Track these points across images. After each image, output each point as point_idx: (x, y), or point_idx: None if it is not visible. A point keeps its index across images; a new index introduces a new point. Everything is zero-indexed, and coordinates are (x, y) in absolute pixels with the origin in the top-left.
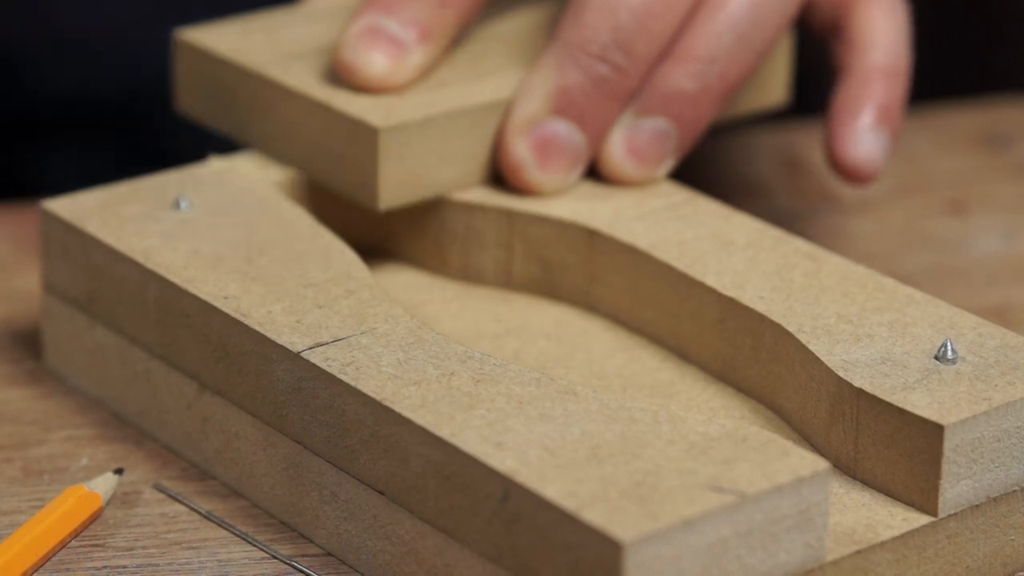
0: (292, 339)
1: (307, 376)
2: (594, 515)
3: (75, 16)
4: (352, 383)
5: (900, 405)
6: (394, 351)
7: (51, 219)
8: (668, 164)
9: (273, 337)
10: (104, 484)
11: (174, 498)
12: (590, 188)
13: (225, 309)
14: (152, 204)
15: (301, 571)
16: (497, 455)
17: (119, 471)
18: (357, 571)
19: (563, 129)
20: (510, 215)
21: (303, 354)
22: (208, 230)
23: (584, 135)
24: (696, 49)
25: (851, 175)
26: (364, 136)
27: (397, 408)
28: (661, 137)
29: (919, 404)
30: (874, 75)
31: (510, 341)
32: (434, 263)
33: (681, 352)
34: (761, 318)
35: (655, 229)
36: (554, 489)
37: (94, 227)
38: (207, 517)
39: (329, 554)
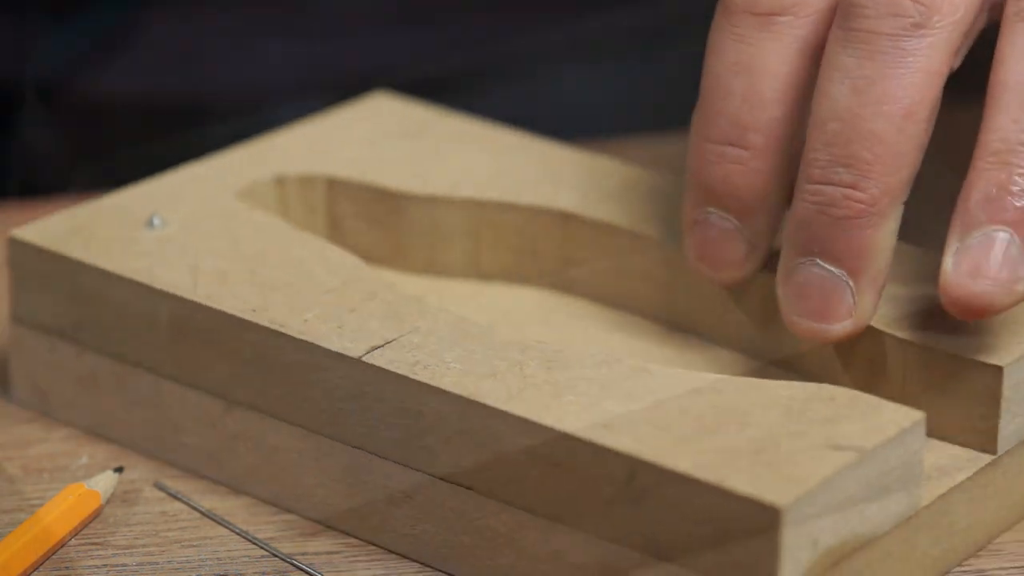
0: (345, 345)
1: (370, 380)
2: (739, 483)
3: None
4: (429, 382)
5: (955, 351)
6: (450, 347)
7: (22, 247)
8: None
9: (325, 345)
10: (104, 482)
11: (175, 496)
12: (550, 174)
13: (260, 322)
14: (124, 225)
15: (302, 569)
16: (612, 436)
17: (119, 469)
18: (438, 570)
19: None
20: (479, 205)
21: (364, 358)
22: (195, 246)
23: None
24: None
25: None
26: None
27: (488, 401)
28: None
29: (972, 348)
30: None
31: (504, 330)
32: (396, 260)
33: (678, 324)
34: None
35: (630, 207)
36: (685, 463)
37: (79, 252)
38: (207, 515)
39: (331, 552)
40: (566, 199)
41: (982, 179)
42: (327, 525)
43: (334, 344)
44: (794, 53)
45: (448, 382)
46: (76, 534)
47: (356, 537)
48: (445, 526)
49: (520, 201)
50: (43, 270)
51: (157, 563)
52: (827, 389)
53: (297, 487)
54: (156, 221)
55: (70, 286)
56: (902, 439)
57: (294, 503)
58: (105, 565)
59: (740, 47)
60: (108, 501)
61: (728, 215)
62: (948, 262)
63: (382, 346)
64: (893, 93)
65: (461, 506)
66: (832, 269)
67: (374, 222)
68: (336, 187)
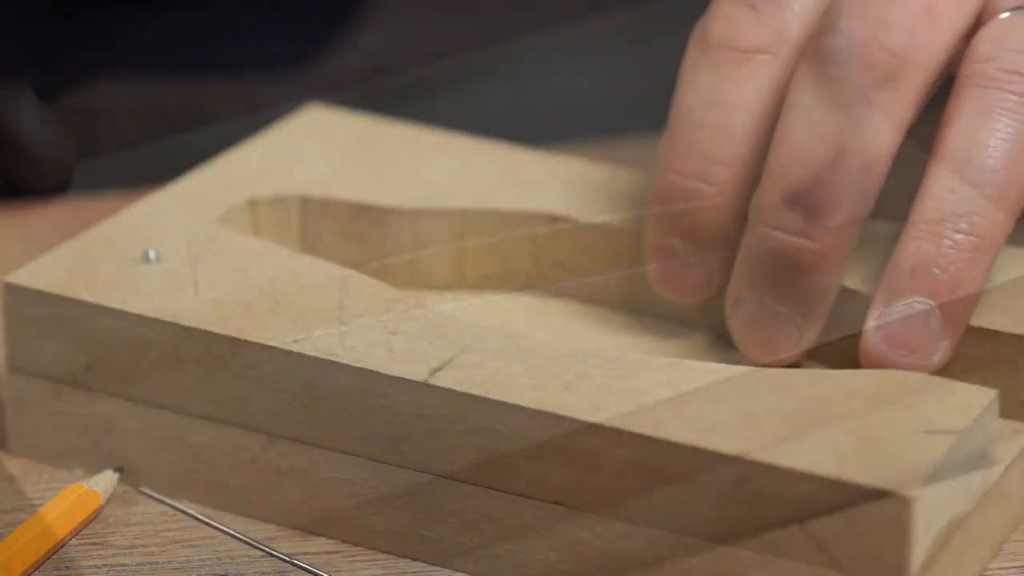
0: (404, 369)
1: (437, 403)
2: (861, 476)
3: None
4: (506, 399)
5: (988, 327)
6: (510, 362)
7: (19, 292)
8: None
9: (384, 371)
10: (104, 482)
11: (161, 501)
12: (521, 178)
13: (308, 352)
14: (118, 261)
15: (302, 569)
16: (715, 439)
17: (119, 469)
18: None
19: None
20: (459, 214)
21: (429, 381)
22: (204, 278)
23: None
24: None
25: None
26: None
27: (575, 415)
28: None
29: (1004, 323)
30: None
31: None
32: (378, 274)
33: (681, 320)
34: None
35: (609, 205)
36: (800, 461)
37: (85, 293)
38: (195, 517)
39: (331, 552)
40: (544, 202)
41: (911, 247)
42: (386, 551)
43: (393, 369)
44: (768, 92)
45: (527, 398)
46: (76, 534)
47: (424, 562)
48: (528, 544)
49: (500, 207)
50: (46, 315)
51: (157, 563)
52: (893, 375)
53: (354, 517)
54: (151, 255)
55: (80, 329)
56: (983, 418)
57: (350, 533)
58: (105, 565)
59: (716, 82)
60: (108, 501)
61: (684, 244)
62: (870, 326)
63: (442, 367)
64: (856, 146)
65: (547, 523)
66: (779, 308)
67: (353, 238)
68: (310, 206)
